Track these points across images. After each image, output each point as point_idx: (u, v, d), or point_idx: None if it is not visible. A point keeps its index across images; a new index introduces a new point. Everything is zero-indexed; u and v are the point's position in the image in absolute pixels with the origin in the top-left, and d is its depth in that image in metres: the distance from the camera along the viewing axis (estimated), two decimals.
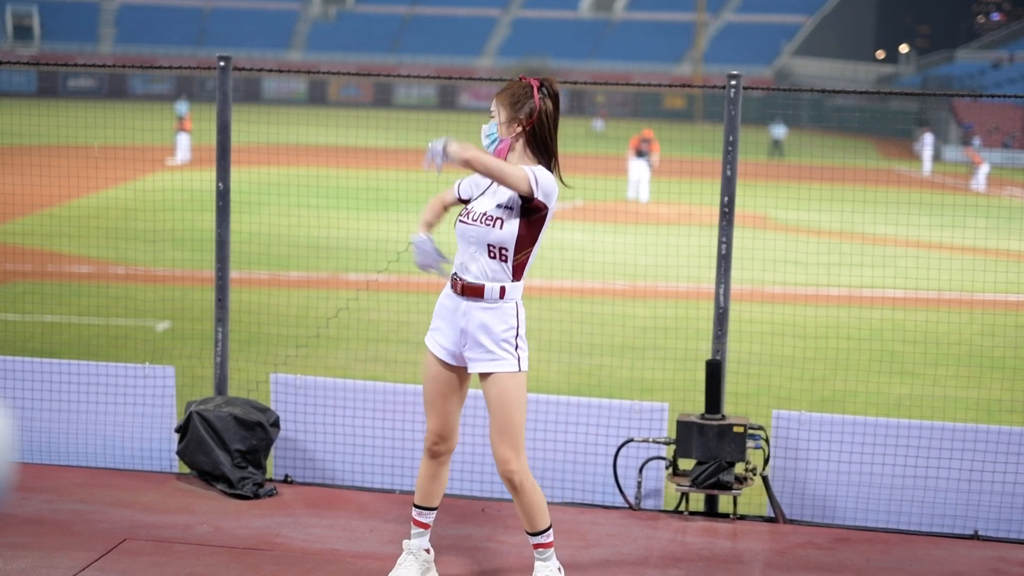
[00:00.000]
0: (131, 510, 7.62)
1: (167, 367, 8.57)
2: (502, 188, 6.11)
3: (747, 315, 13.73)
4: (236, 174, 8.55)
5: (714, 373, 7.94)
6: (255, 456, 8.07)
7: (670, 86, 8.37)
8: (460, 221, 6.16)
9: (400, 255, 9.67)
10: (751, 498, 8.48)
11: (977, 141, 51.06)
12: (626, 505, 8.05)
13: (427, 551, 6.57)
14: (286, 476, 8.41)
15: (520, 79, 6.29)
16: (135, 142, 10.97)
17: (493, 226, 6.04)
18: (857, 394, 12.07)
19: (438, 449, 6.40)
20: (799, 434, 7.99)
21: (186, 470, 8.36)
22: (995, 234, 18.32)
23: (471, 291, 6.12)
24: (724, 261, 8.03)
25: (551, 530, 6.37)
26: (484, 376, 6.18)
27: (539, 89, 6.18)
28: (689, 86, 8.21)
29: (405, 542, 6.59)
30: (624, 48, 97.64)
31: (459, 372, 6.31)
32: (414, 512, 6.53)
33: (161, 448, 8.48)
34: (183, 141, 38.82)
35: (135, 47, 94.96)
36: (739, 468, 8.05)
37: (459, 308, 6.16)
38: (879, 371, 12.15)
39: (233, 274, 8.59)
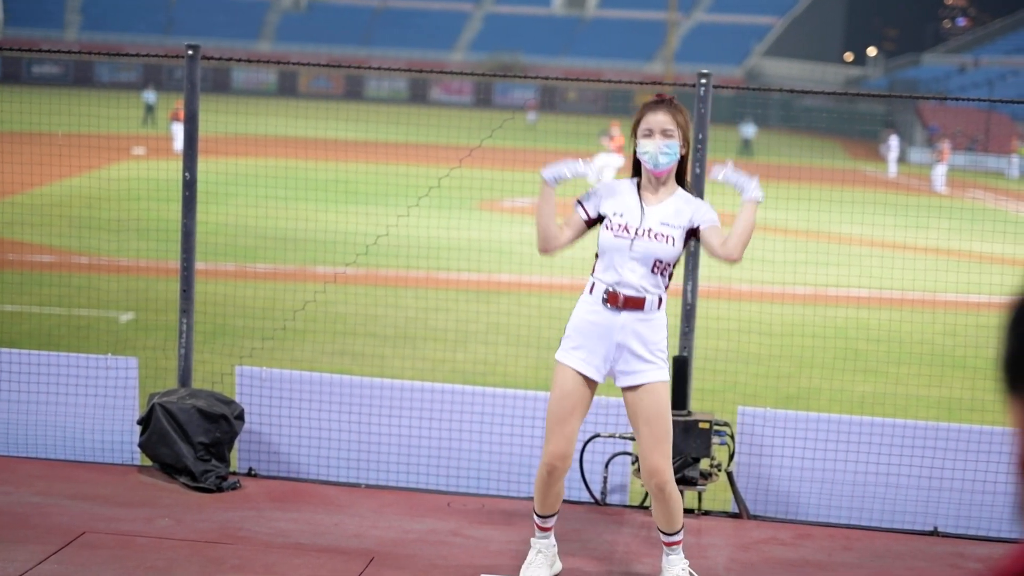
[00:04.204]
0: (91, 503, 7.56)
1: (130, 358, 8.51)
2: (671, 207, 6.25)
3: (714, 312, 13.76)
4: (203, 164, 8.50)
5: (681, 369, 7.95)
6: (219, 449, 8.02)
7: (641, 84, 8.38)
8: (618, 237, 6.20)
9: (368, 248, 9.64)
10: (716, 494, 8.50)
11: (947, 144, 51.39)
12: (592, 500, 8.05)
13: (553, 545, 6.74)
14: (250, 469, 8.37)
15: (671, 98, 6.41)
16: (100, 130, 10.89)
17: (665, 242, 6.18)
18: (822, 391, 12.11)
19: (558, 472, 6.43)
20: (764, 431, 8.01)
21: (148, 463, 8.30)
22: (958, 235, 18.41)
23: (632, 304, 6.19)
24: (692, 258, 8.06)
25: (682, 531, 6.59)
26: (635, 388, 6.25)
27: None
28: (660, 84, 8.21)
29: (532, 540, 6.73)
30: (596, 45, 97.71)
31: (594, 388, 6.36)
32: (536, 519, 6.65)
33: (123, 440, 8.42)
34: (179, 130, 38.75)
35: (101, 34, 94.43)
36: (704, 464, 8.06)
37: (616, 322, 6.21)
38: (843, 369, 12.21)
39: (199, 265, 8.55)
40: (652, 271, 6.17)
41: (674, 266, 6.28)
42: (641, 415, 6.26)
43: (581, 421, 6.41)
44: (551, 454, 6.36)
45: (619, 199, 6.29)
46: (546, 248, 6.37)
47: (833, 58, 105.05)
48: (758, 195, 6.27)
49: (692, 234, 6.29)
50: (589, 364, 6.27)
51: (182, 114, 37.92)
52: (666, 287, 6.28)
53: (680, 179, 6.41)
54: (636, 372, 6.22)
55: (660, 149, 6.23)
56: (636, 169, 6.42)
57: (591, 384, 6.32)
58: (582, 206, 6.34)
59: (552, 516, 6.63)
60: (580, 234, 6.38)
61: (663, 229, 6.18)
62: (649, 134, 6.26)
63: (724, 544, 7.44)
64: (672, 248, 6.19)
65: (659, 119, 6.27)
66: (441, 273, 18.23)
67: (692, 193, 6.46)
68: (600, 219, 6.31)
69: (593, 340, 6.25)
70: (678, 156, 6.27)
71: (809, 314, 16.61)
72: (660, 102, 6.36)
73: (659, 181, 6.30)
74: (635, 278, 6.17)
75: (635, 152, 6.36)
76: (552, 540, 6.71)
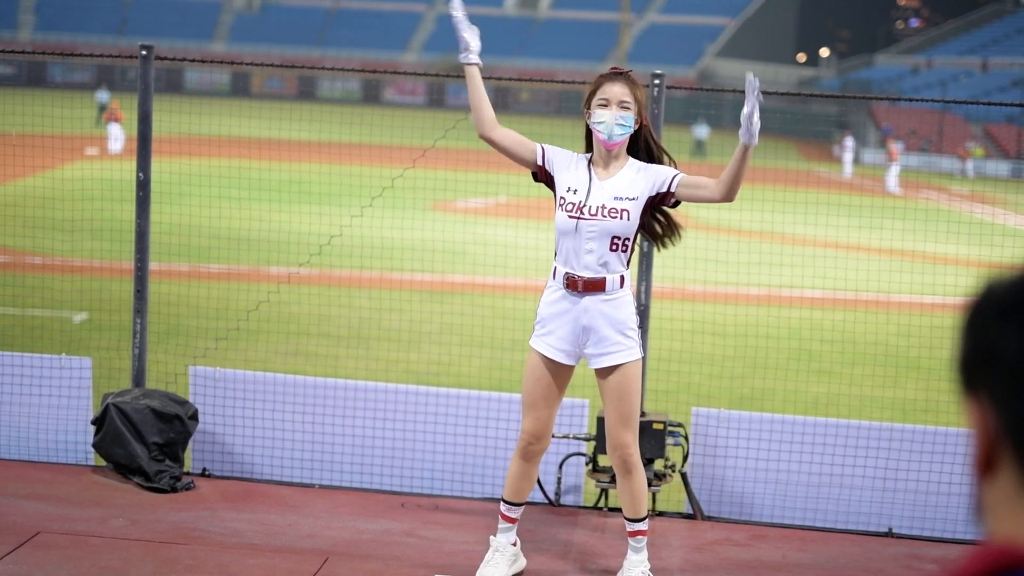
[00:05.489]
0: (45, 503, 7.52)
1: (84, 358, 8.47)
2: (624, 180, 6.20)
3: (668, 313, 13.80)
4: (157, 164, 8.47)
5: None
6: (172, 449, 8.00)
7: None
8: (572, 217, 6.15)
9: (322, 248, 9.62)
10: (670, 495, 8.52)
11: (900, 145, 51.76)
12: (546, 501, 8.05)
13: (513, 544, 6.69)
14: (204, 469, 8.34)
15: (627, 71, 6.38)
16: (54, 131, 10.82)
17: (620, 218, 6.14)
18: (775, 392, 12.16)
19: (533, 450, 6.46)
20: (718, 431, 8.04)
21: (102, 463, 8.27)
22: (911, 236, 18.51)
23: (592, 286, 6.16)
24: (646, 259, 8.08)
25: (647, 520, 6.58)
26: (605, 369, 6.24)
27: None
28: None
29: (492, 539, 6.69)
30: (549, 46, 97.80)
31: (567, 372, 6.35)
32: (503, 507, 6.63)
33: (77, 440, 8.38)
34: (115, 131, 37.89)
35: (55, 35, 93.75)
36: (658, 465, 8.09)
37: (578, 306, 6.19)
38: (797, 370, 12.27)
39: (152, 265, 8.51)
40: (611, 249, 6.15)
41: (634, 240, 6.26)
42: (609, 394, 6.28)
43: (556, 404, 6.42)
44: (527, 432, 6.40)
45: (572, 173, 6.25)
46: (482, 129, 6.24)
47: (786, 59, 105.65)
48: (751, 140, 6.07)
49: (659, 202, 6.24)
50: (558, 350, 6.27)
51: (120, 114, 36.73)
52: (627, 264, 6.25)
53: (635, 153, 6.37)
54: (605, 354, 6.21)
55: (616, 120, 6.19)
56: (588, 144, 6.41)
57: (564, 369, 6.32)
58: (542, 148, 6.29)
59: (519, 506, 6.61)
60: (520, 157, 6.26)
61: (616, 204, 6.15)
62: (606, 104, 6.21)
63: (678, 545, 7.47)
64: (628, 223, 6.16)
65: (616, 90, 6.23)
66: (394, 274, 18.21)
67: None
68: (548, 178, 6.27)
69: (560, 325, 6.24)
70: (631, 127, 6.24)
71: (763, 315, 16.68)
72: (618, 74, 6.33)
73: (611, 155, 6.26)
74: (592, 259, 6.14)
75: (587, 123, 6.32)
76: (512, 536, 6.68)
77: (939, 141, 64.44)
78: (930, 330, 12.85)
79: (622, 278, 6.22)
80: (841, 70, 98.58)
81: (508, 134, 6.29)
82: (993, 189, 47.59)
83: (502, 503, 6.65)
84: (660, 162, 6.37)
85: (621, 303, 6.22)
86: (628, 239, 6.20)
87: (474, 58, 6.30)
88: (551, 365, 6.30)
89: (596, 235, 6.14)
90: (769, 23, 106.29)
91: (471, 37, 6.30)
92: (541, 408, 6.37)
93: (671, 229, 6.51)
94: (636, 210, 6.18)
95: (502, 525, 6.67)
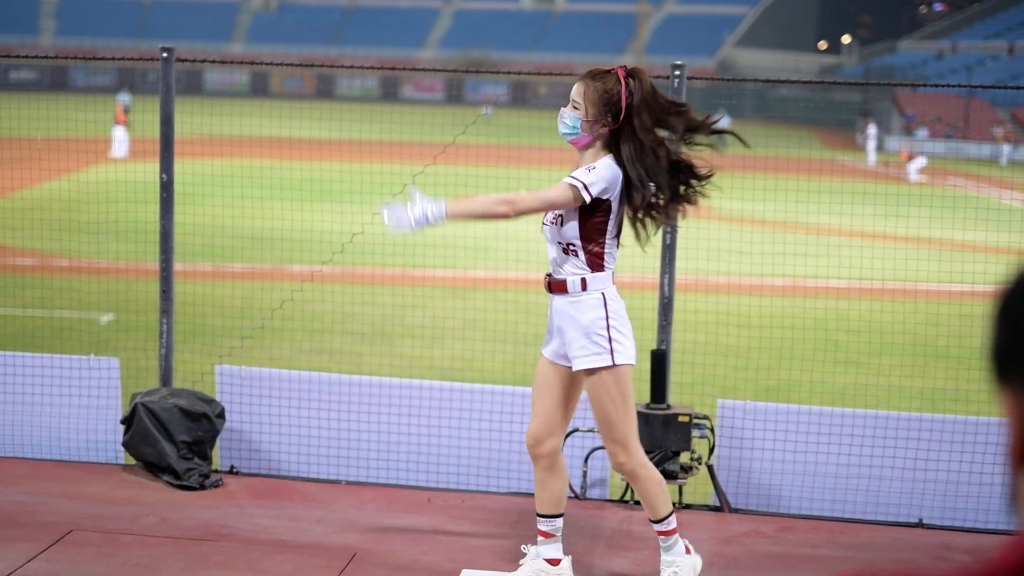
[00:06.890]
0: (77, 502, 7.58)
1: (112, 359, 8.52)
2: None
3: (691, 305, 13.77)
4: (179, 166, 8.50)
5: (659, 363, 7.97)
6: (201, 447, 8.04)
7: None
8: (542, 223, 6.16)
9: (344, 246, 9.64)
10: (697, 487, 8.52)
11: (923, 132, 51.32)
12: (572, 495, 8.06)
13: (551, 561, 6.46)
14: (232, 467, 8.37)
15: (611, 71, 6.13)
16: (77, 134, 10.87)
17: (555, 224, 6.07)
18: (801, 383, 12.13)
19: (533, 453, 6.37)
20: (744, 423, 8.03)
21: (132, 461, 8.32)
22: (939, 223, 18.41)
23: (557, 287, 6.13)
24: (668, 251, 8.07)
25: (673, 517, 6.37)
26: (585, 372, 6.13)
27: (625, 82, 6.02)
28: None
29: (531, 547, 6.57)
30: (566, 39, 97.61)
31: (563, 374, 6.26)
32: (536, 520, 6.50)
33: (107, 440, 8.43)
34: (118, 134, 37.38)
35: (76, 39, 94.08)
36: (684, 457, 8.08)
37: (551, 307, 6.19)
38: (823, 361, 12.21)
39: (177, 266, 8.55)
40: (564, 252, 6.06)
41: (591, 243, 6.00)
42: (589, 400, 6.21)
43: (556, 409, 6.28)
44: (527, 431, 6.37)
45: None
46: (509, 213, 5.99)
47: (807, 47, 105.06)
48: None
49: (599, 202, 5.93)
50: (547, 346, 6.27)
51: (122, 117, 36.32)
52: (592, 266, 6.02)
53: (617, 150, 6.02)
54: (574, 358, 6.10)
55: (561, 116, 6.10)
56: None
57: (558, 369, 6.24)
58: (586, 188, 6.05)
59: (547, 518, 6.43)
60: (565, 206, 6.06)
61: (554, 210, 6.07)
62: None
63: (706, 538, 7.46)
64: (563, 228, 6.00)
65: (572, 90, 6.14)
66: (416, 270, 18.22)
67: (632, 167, 5.98)
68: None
69: (550, 324, 6.25)
70: (577, 128, 6.02)
71: (788, 306, 16.64)
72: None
73: (580, 155, 6.13)
74: (555, 261, 6.12)
75: None
76: (551, 551, 6.45)
77: (965, 127, 64.03)
78: (959, 318, 12.79)
79: (583, 281, 6.02)
80: (863, 57, 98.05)
81: (533, 201, 5.99)
82: (1023, 174, 47.24)
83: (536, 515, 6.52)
84: (634, 174, 5.98)
85: (585, 306, 6.03)
86: (573, 244, 6.01)
87: (442, 214, 5.97)
88: (544, 363, 6.30)
89: (550, 240, 6.12)
90: (789, 11, 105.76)
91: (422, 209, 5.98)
92: (537, 404, 6.32)
93: (659, 214, 6.18)
94: (569, 215, 5.98)
95: (539, 539, 6.52)
